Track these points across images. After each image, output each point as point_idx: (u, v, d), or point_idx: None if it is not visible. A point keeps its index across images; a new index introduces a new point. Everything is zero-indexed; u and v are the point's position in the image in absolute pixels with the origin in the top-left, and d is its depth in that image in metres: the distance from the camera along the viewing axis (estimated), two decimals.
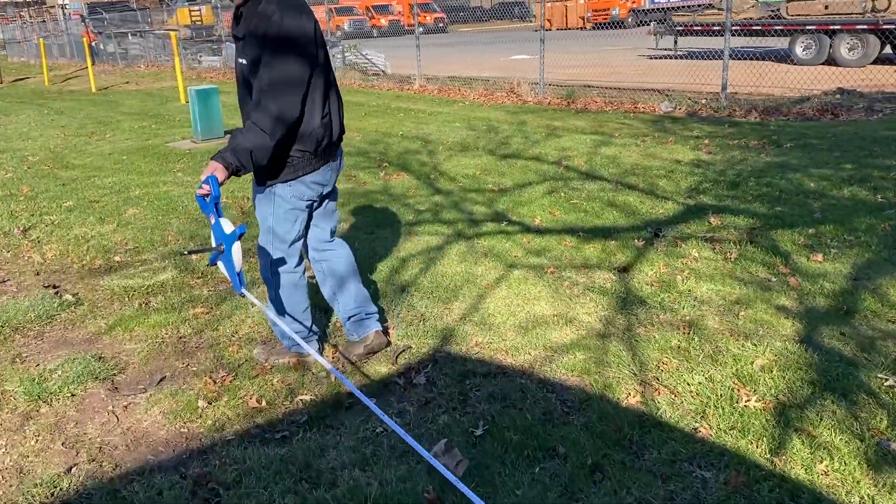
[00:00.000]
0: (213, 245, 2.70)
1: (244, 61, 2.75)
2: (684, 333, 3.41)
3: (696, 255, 4.49)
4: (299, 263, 3.15)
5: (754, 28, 16.07)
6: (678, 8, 27.23)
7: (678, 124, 9.14)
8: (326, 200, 3.14)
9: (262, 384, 3.20)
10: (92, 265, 5.08)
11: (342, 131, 2.97)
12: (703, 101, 10.32)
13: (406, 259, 4.74)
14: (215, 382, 3.22)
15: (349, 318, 3.31)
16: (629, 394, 2.88)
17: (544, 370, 3.14)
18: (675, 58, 18.59)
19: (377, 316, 3.40)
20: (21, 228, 6.01)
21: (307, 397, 3.04)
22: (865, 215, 5.00)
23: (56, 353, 3.67)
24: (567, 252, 4.71)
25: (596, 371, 3.09)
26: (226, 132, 10.33)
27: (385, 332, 3.44)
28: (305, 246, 3.26)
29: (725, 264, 4.31)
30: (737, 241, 4.69)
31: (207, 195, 2.61)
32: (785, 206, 5.36)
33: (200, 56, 25.69)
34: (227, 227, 2.64)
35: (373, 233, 5.40)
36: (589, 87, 12.52)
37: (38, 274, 4.98)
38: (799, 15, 15.29)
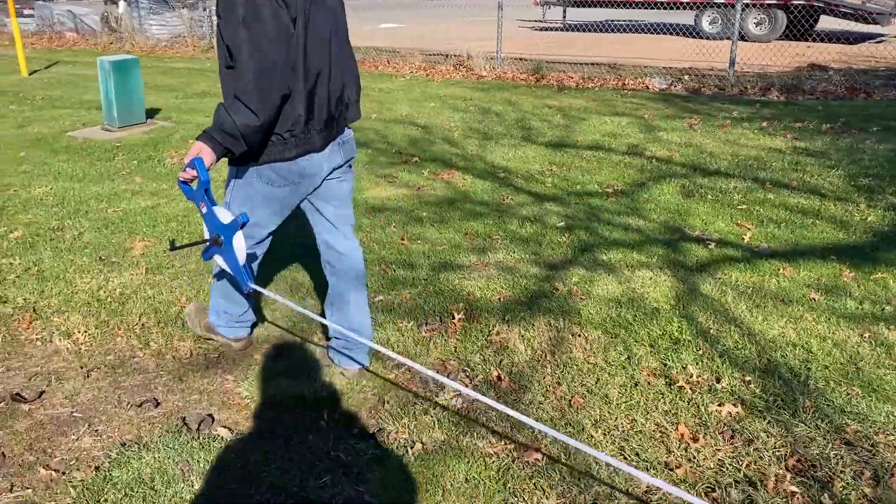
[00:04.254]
0: (206, 237, 2.48)
1: (217, 21, 2.34)
2: None
3: None
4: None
5: (660, 1, 15.78)
6: None
7: (697, 104, 8.31)
8: (326, 203, 2.70)
9: None
10: (175, 351, 3.15)
11: (336, 115, 2.52)
12: (685, 78, 9.57)
13: (678, 310, 3.34)
14: None
15: (335, 338, 2.91)
16: None
17: None
18: (565, 30, 17.97)
19: (367, 349, 2.89)
20: None
21: None
22: None
23: None
24: (879, 292, 3.54)
25: None
26: (148, 117, 8.03)
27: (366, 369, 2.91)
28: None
29: None
30: None
31: (191, 180, 2.35)
32: None
33: None
34: (224, 216, 2.41)
35: (553, 267, 3.91)
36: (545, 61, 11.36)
37: (88, 375, 2.98)
38: None
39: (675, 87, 9.15)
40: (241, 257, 2.43)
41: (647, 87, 9.24)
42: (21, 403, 2.80)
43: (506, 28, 18.00)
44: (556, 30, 17.95)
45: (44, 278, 3.90)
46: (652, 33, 14.04)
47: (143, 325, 3.39)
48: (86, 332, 3.32)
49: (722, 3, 14.81)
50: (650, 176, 5.60)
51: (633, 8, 16.13)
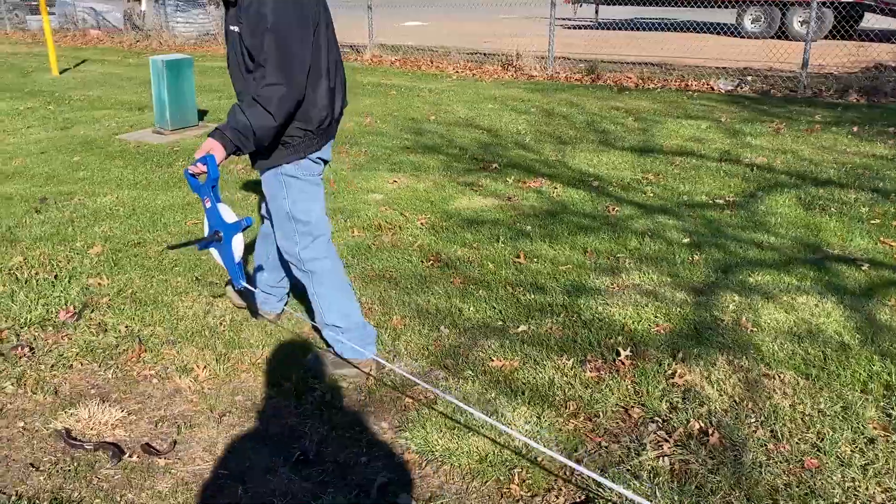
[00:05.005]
0: (207, 231, 2.56)
1: (236, 29, 2.44)
2: None
3: None
4: (330, 245, 2.79)
5: None
6: None
7: (772, 106, 7.94)
8: None
9: None
10: (312, 390, 2.79)
11: (343, 104, 2.72)
12: (749, 79, 9.18)
13: (870, 346, 2.99)
14: None
15: (269, 286, 3.16)
16: None
17: None
18: (597, 28, 17.58)
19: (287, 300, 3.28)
20: (70, 309, 3.44)
21: None
22: None
23: None
24: None
25: None
26: (200, 120, 7.68)
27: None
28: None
29: None
30: None
31: (198, 174, 2.42)
32: None
33: (16, 14, 21.01)
34: (228, 214, 2.50)
35: (700, 292, 3.54)
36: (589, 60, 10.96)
37: (220, 420, 2.63)
38: None
39: (742, 88, 8.75)
40: (238, 256, 2.52)
41: (712, 89, 8.85)
42: (155, 457, 2.45)
43: (534, 26, 17.59)
44: (589, 27, 17.56)
45: (140, 302, 3.55)
46: (689, 31, 13.65)
47: (267, 358, 3.03)
48: (205, 367, 2.96)
49: (766, 1, 14.40)
50: (758, 185, 5.24)
51: (672, 6, 15.73)
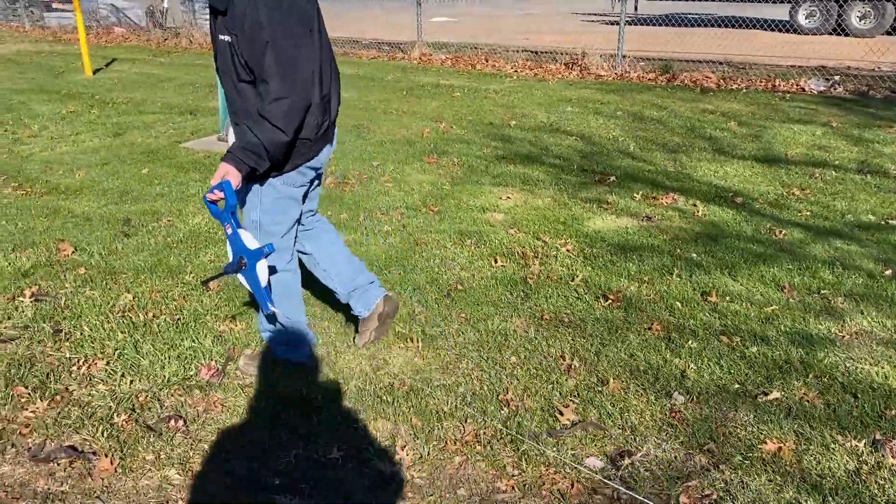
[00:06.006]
0: (230, 258, 2.49)
1: (227, 38, 2.28)
2: None
3: None
4: (292, 259, 2.71)
5: None
6: None
7: (881, 109, 7.42)
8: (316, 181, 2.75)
9: None
10: (547, 480, 2.24)
11: (338, 109, 2.64)
12: (836, 78, 8.61)
13: None
14: None
15: (351, 291, 2.89)
16: None
17: None
18: (636, 24, 17.02)
19: (379, 282, 2.99)
20: (212, 365, 2.89)
21: None
22: None
23: None
24: None
25: None
26: None
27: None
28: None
29: None
30: None
31: (217, 201, 2.33)
32: None
33: (32, 10, 20.42)
34: (249, 240, 2.43)
35: None
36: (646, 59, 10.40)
37: None
38: None
39: (836, 89, 8.19)
40: (263, 281, 2.45)
41: (803, 90, 8.28)
42: None
43: (568, 22, 17.02)
44: (628, 24, 16.95)
45: None
46: (736, 28, 13.09)
47: (475, 434, 2.47)
48: (404, 446, 2.41)
49: None
50: None
51: (723, 0, 15.15)
